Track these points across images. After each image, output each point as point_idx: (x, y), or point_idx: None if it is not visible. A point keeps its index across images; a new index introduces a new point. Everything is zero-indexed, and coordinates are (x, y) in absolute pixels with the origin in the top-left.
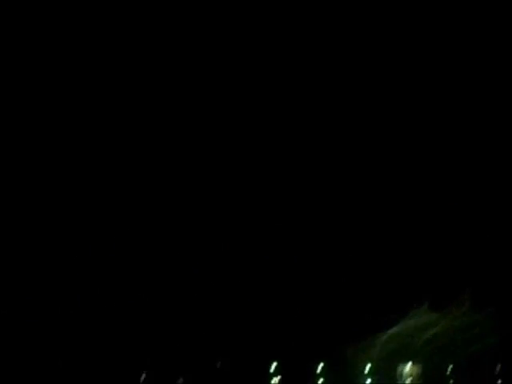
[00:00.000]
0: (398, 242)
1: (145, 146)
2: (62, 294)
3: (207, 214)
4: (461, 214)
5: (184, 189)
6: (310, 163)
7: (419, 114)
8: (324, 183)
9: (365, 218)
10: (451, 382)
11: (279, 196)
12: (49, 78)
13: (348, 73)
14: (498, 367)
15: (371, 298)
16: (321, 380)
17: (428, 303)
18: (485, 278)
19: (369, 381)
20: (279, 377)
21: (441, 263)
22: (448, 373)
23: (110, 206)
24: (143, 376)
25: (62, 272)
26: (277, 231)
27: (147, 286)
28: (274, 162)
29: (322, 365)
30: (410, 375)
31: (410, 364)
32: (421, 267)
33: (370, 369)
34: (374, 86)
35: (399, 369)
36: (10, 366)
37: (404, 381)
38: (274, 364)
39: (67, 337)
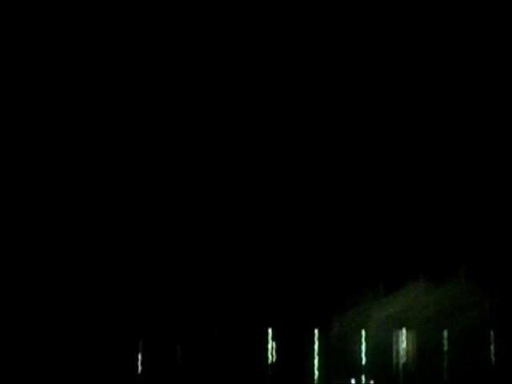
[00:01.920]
0: (394, 213)
1: (145, 147)
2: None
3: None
4: (459, 192)
5: (184, 189)
6: (306, 159)
7: (419, 114)
8: (314, 173)
9: (360, 191)
10: (445, 347)
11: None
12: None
13: (348, 73)
14: (491, 334)
15: (369, 266)
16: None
17: (424, 273)
18: (480, 250)
19: (364, 345)
20: (274, 343)
21: (438, 234)
22: (442, 339)
23: (110, 206)
24: (141, 343)
25: (59, 269)
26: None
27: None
28: (273, 162)
29: (316, 331)
30: (405, 340)
31: (404, 330)
32: (418, 238)
33: (366, 334)
34: (374, 86)
35: (394, 334)
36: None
37: (399, 345)
38: (269, 330)
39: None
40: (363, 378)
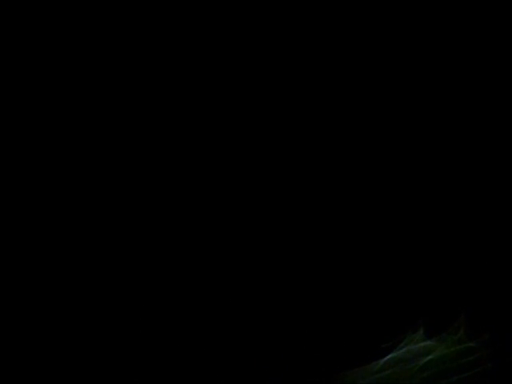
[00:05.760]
0: (389, 267)
1: (144, 147)
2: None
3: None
4: (456, 239)
5: (183, 189)
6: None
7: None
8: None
9: (357, 239)
10: None
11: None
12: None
13: (348, 73)
14: None
15: (364, 325)
16: None
17: (423, 329)
18: (480, 305)
19: None
20: None
21: (435, 289)
22: None
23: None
24: None
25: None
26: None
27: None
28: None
29: None
30: None
31: None
32: (415, 293)
33: None
34: (373, 86)
35: None
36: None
37: None
38: None
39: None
40: None
